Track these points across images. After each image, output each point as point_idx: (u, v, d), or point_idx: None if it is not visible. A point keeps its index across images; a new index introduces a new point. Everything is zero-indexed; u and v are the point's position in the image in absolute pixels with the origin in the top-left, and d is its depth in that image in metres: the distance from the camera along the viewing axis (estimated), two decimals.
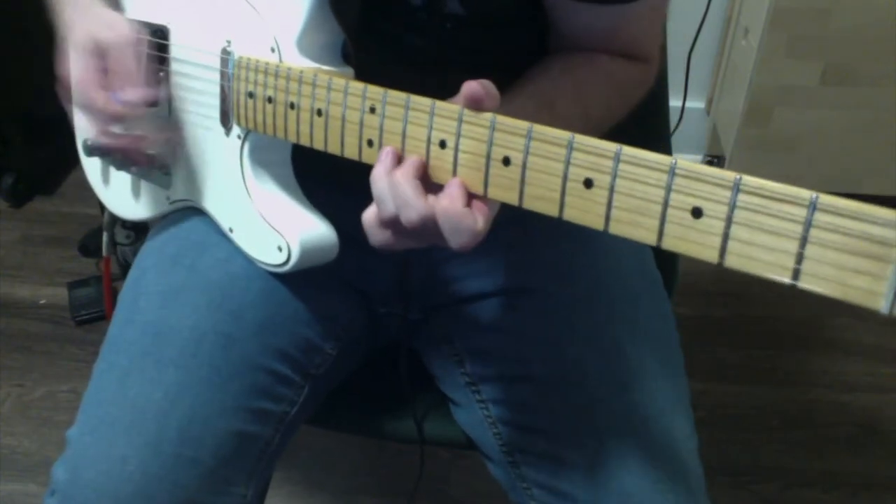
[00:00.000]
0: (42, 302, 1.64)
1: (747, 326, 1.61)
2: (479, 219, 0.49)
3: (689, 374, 0.71)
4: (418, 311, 0.76)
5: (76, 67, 0.66)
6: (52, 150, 1.81)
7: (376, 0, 0.63)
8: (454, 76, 0.48)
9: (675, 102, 1.22)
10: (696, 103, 1.88)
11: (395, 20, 0.65)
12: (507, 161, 0.47)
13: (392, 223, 0.52)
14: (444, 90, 0.50)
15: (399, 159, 0.52)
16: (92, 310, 1.58)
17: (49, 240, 1.80)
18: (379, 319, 0.77)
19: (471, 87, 0.47)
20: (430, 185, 0.51)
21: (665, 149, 0.95)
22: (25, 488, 1.28)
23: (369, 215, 0.53)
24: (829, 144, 1.71)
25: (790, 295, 1.68)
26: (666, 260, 0.81)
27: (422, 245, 0.53)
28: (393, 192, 0.50)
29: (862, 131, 1.67)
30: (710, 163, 1.91)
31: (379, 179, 0.51)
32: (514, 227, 0.71)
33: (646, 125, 0.79)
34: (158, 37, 0.69)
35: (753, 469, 1.34)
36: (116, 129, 0.68)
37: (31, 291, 1.67)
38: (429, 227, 0.50)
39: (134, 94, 0.65)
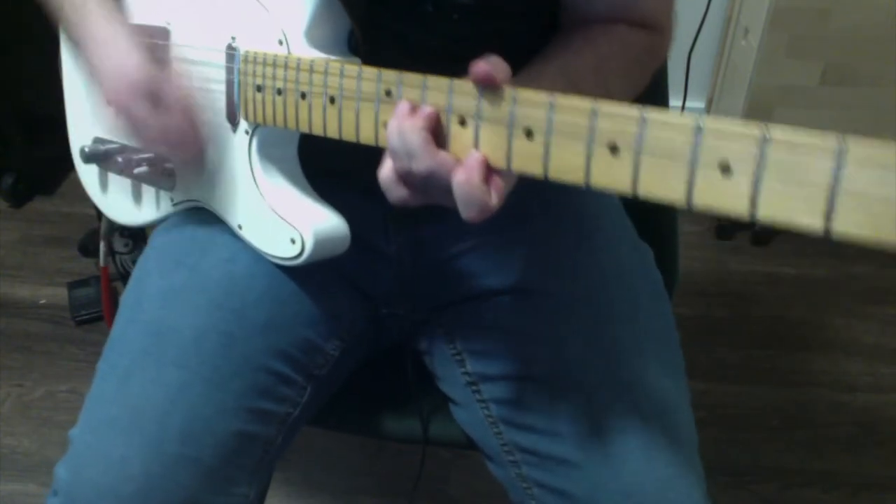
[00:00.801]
0: (42, 302, 1.64)
1: (747, 326, 1.61)
2: (493, 195, 0.49)
3: (689, 374, 0.71)
4: (420, 312, 0.76)
5: (130, 62, 0.64)
6: (52, 150, 1.81)
7: None
8: (461, 69, 0.48)
9: (675, 102, 1.22)
10: (696, 103, 1.88)
11: (401, 13, 0.65)
12: (529, 133, 0.46)
13: (406, 177, 0.51)
14: None
15: (414, 112, 0.51)
16: (92, 310, 1.58)
17: (49, 240, 1.80)
18: (381, 320, 0.77)
19: (478, 68, 0.47)
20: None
21: None
22: (25, 488, 1.28)
23: (385, 170, 0.52)
24: None
25: (790, 295, 1.68)
26: (666, 260, 0.81)
27: (437, 202, 0.53)
28: (402, 141, 0.50)
29: (862, 131, 1.66)
30: None
31: (392, 131, 0.51)
32: (515, 227, 0.71)
33: None
34: (159, 38, 0.69)
35: (753, 469, 1.34)
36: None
37: (31, 291, 1.67)
38: (438, 184, 0.50)
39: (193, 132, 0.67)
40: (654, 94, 0.72)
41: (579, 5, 0.67)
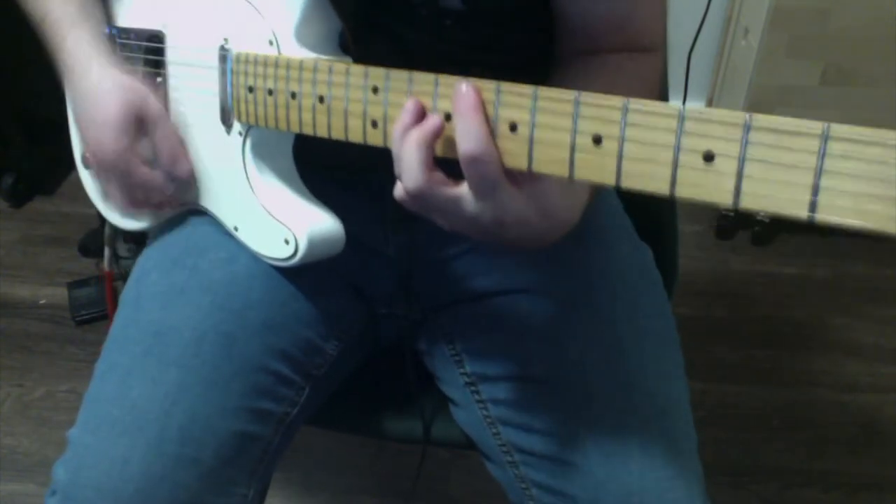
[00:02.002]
0: (42, 302, 1.64)
1: (747, 326, 1.61)
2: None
3: (689, 374, 0.71)
4: (419, 312, 0.76)
5: (106, 139, 0.66)
6: (52, 150, 1.81)
7: None
8: (454, 72, 0.48)
9: (675, 102, 1.22)
10: (696, 103, 1.88)
11: (394, 15, 0.65)
12: (514, 127, 0.46)
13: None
14: None
15: (422, 115, 0.50)
16: (92, 310, 1.58)
17: (49, 240, 1.80)
18: (380, 320, 0.77)
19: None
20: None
21: None
22: (25, 488, 1.28)
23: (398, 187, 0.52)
24: None
25: (790, 295, 1.68)
26: (666, 260, 0.81)
27: (430, 217, 0.52)
28: (399, 151, 0.49)
29: None
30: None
31: (395, 138, 0.50)
32: None
33: None
34: (154, 41, 0.69)
35: (753, 469, 1.34)
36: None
37: (31, 291, 1.67)
38: (427, 203, 0.50)
39: (185, 167, 0.69)
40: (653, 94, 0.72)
41: (572, 19, 0.67)
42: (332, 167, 0.66)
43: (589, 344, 0.67)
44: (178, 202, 0.72)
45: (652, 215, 0.83)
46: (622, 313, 0.70)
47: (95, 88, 0.66)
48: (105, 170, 0.68)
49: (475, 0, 0.64)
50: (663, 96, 0.92)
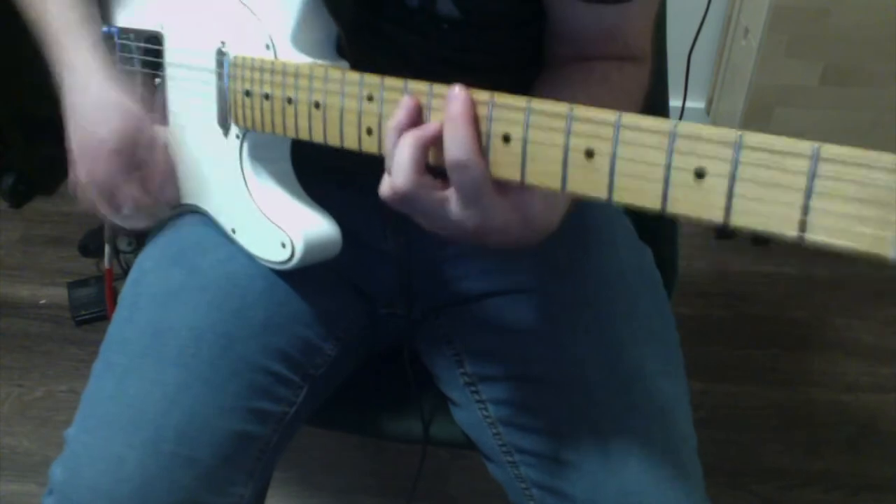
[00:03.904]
0: (42, 302, 1.64)
1: (747, 326, 1.61)
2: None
3: (689, 374, 0.71)
4: (418, 312, 0.76)
5: (100, 160, 0.67)
6: (52, 150, 1.81)
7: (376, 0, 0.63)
8: (451, 75, 0.48)
9: (675, 102, 1.22)
10: (696, 103, 1.88)
11: (391, 19, 0.65)
12: (507, 138, 0.46)
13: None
14: None
15: (418, 114, 0.49)
16: (92, 310, 1.58)
17: (49, 240, 1.80)
18: (379, 320, 0.77)
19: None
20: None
21: None
22: (25, 488, 1.28)
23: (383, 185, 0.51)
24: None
25: (790, 295, 1.68)
26: (666, 260, 0.81)
27: (415, 217, 0.52)
28: (392, 149, 0.49)
29: (862, 131, 1.67)
30: None
31: (388, 135, 0.49)
32: None
33: None
34: (153, 43, 0.69)
35: (753, 469, 1.34)
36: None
37: (31, 291, 1.66)
38: (412, 204, 0.49)
39: (172, 194, 0.71)
40: (654, 94, 0.72)
41: (561, 28, 0.67)
42: (330, 167, 0.66)
43: (588, 344, 0.67)
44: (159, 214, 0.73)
45: (652, 215, 0.83)
46: (622, 313, 0.70)
47: (93, 107, 0.66)
48: (94, 185, 0.69)
49: (471, 8, 0.64)
50: (663, 97, 0.92)
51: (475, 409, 0.71)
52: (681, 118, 1.44)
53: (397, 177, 0.49)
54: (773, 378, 1.50)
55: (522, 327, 0.69)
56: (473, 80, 0.47)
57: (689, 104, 1.49)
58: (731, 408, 1.44)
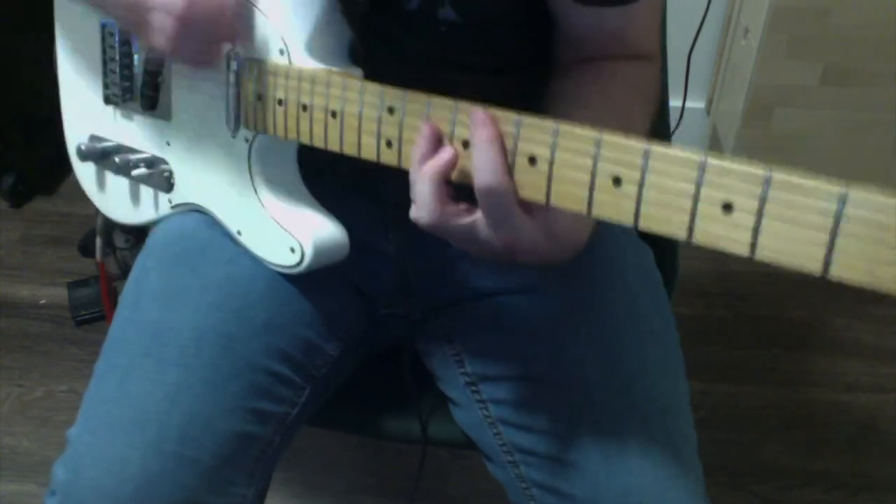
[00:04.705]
0: (42, 302, 1.64)
1: (747, 326, 1.61)
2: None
3: (689, 374, 0.71)
4: (419, 312, 0.76)
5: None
6: (52, 150, 1.81)
7: (375, 1, 0.63)
8: (454, 77, 0.48)
9: (675, 102, 1.22)
10: (696, 103, 1.88)
11: (392, 21, 0.65)
12: (533, 160, 0.46)
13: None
14: (445, 90, 0.50)
15: (438, 139, 0.50)
16: (92, 310, 1.58)
17: (49, 240, 1.80)
18: (380, 320, 0.77)
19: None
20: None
21: None
22: (25, 488, 1.28)
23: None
24: (829, 144, 1.71)
25: (790, 295, 1.68)
26: (666, 260, 0.81)
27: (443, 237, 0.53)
28: (414, 183, 0.50)
29: (862, 131, 1.67)
30: None
31: (413, 165, 0.51)
32: None
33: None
34: None
35: (753, 469, 1.34)
36: None
37: (31, 291, 1.66)
38: (441, 230, 0.50)
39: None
40: None
41: (569, 31, 0.67)
42: (332, 169, 0.66)
43: (589, 344, 0.67)
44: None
45: None
46: (622, 313, 0.70)
47: None
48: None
49: (470, 11, 0.64)
50: (663, 97, 0.92)
51: (475, 409, 0.71)
52: (681, 118, 1.44)
53: (422, 210, 0.50)
54: (773, 378, 1.50)
55: (523, 327, 0.69)
56: (473, 80, 0.47)
57: (689, 104, 1.49)
58: (731, 408, 1.44)
